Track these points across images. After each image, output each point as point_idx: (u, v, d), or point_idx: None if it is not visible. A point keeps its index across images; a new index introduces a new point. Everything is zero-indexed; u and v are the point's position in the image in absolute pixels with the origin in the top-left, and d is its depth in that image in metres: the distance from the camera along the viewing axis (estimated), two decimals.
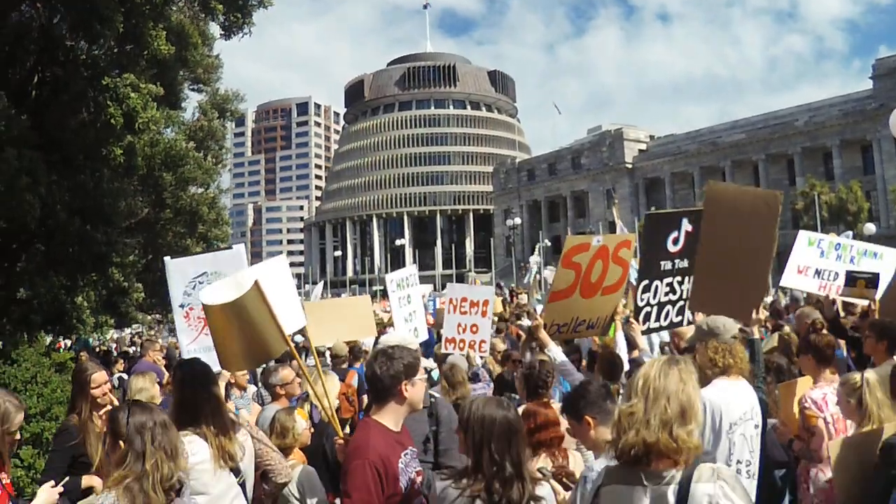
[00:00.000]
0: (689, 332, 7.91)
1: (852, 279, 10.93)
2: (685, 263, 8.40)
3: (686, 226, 8.39)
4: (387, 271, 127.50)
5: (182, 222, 24.67)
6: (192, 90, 25.98)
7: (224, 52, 32.14)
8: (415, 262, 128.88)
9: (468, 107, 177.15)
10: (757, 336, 7.01)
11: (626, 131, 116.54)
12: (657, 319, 8.49)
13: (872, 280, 10.69)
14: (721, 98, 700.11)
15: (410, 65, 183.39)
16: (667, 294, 8.46)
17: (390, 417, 4.61)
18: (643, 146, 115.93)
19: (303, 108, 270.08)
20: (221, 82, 27.44)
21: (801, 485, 6.57)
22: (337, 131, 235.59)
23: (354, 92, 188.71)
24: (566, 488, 4.69)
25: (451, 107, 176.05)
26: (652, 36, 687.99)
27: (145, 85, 16.36)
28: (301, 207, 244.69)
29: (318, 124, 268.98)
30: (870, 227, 58.45)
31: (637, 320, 8.36)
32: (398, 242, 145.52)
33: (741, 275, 7.38)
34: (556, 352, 7.76)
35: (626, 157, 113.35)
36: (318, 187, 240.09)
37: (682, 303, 8.57)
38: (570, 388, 5.90)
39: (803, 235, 12.57)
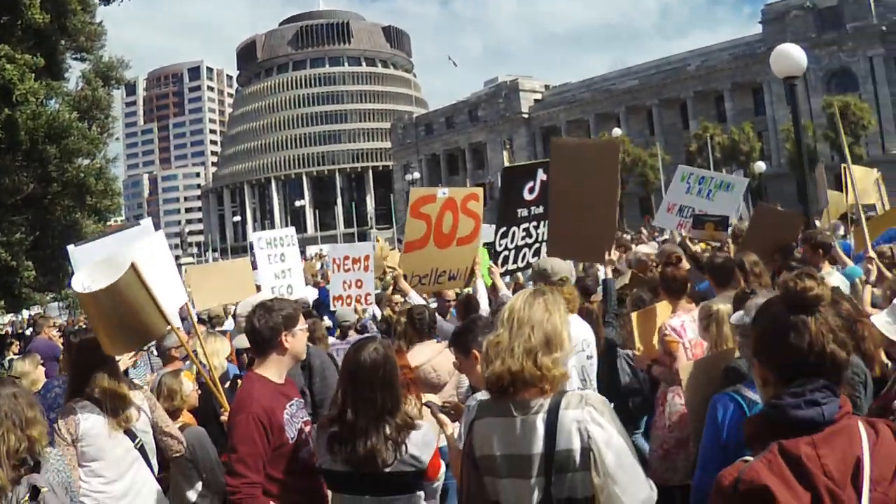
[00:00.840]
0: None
1: (700, 222, 11.56)
2: (540, 209, 9.16)
3: (541, 175, 9.15)
4: None
5: (70, 195, 23.67)
6: (75, 59, 25.23)
7: (114, 20, 31.50)
8: (315, 222, 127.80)
9: (363, 63, 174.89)
10: (609, 276, 7.70)
11: (521, 82, 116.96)
12: (514, 261, 9.20)
13: (721, 222, 11.35)
14: (617, 46, 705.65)
15: (303, 23, 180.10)
16: (523, 238, 9.20)
17: (273, 369, 4.63)
18: (539, 96, 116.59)
19: (195, 72, 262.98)
20: (106, 50, 26.43)
21: (659, 407, 6.85)
22: (231, 95, 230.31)
23: (247, 53, 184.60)
24: (454, 420, 4.71)
25: (346, 64, 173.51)
26: None
27: (21, 56, 15.78)
28: (198, 174, 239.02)
29: (211, 88, 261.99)
30: (760, 165, 60.26)
31: (496, 264, 8.89)
32: (298, 204, 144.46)
33: (590, 220, 7.89)
34: (415, 298, 8.45)
35: (522, 107, 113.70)
36: (214, 153, 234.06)
37: (537, 245, 9.32)
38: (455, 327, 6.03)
39: (680, 170, 13.43)
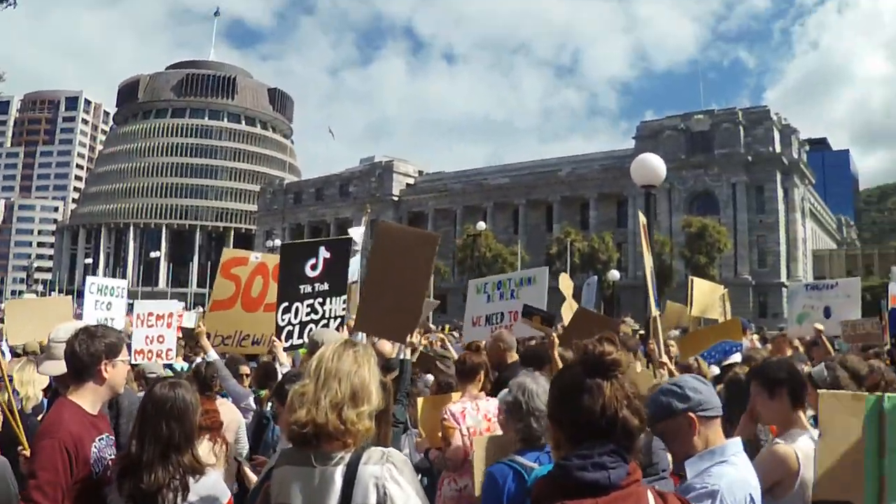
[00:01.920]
0: (386, 345, 9.36)
1: (529, 313, 11.27)
2: (325, 286, 9.36)
3: (324, 253, 9.36)
4: (138, 284, 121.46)
5: None
6: None
7: None
8: (169, 276, 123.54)
9: (243, 122, 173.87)
10: (408, 356, 8.17)
11: (396, 164, 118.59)
12: (300, 336, 9.17)
13: (548, 319, 11.22)
14: (495, 141, 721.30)
15: (190, 71, 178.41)
16: (308, 314, 9.25)
17: (87, 399, 4.43)
18: (412, 180, 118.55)
19: (72, 102, 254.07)
20: None
21: (437, 492, 6.81)
22: (105, 132, 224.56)
23: (129, 92, 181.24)
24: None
25: (226, 119, 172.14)
26: (436, 74, 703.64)
27: None
28: (56, 209, 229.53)
29: (85, 122, 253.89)
30: (614, 274, 61.95)
31: (280, 339, 8.91)
32: (153, 255, 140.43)
33: (400, 302, 8.42)
34: (212, 355, 8.59)
35: (394, 189, 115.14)
36: (77, 189, 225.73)
37: (324, 321, 9.37)
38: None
39: (472, 284, 13.57)
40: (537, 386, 4.72)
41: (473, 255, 74.12)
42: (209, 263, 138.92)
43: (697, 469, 3.48)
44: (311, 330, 9.23)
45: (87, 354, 4.37)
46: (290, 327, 9.13)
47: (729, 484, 3.36)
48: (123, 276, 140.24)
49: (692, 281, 15.41)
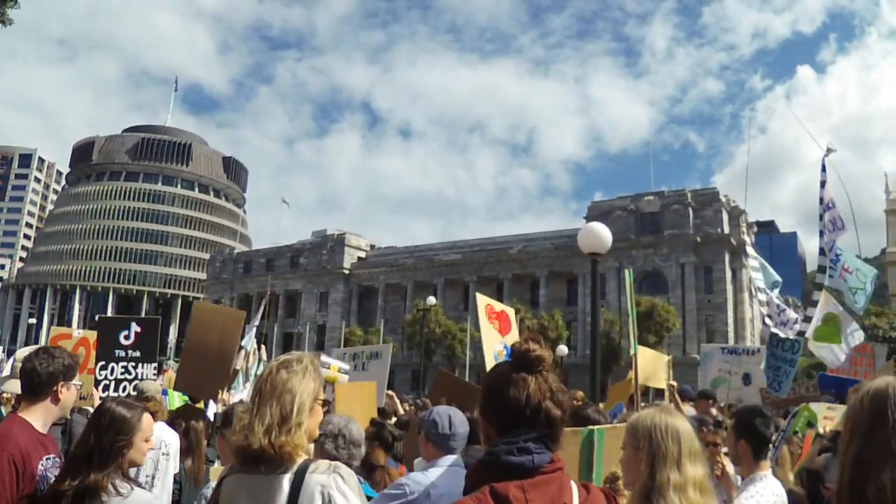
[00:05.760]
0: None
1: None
2: (137, 353, 11.15)
3: (135, 328, 11.31)
4: None
5: None
6: None
7: None
8: None
9: (197, 189, 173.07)
10: (219, 410, 10.42)
11: (348, 238, 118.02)
12: (115, 390, 10.80)
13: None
14: (447, 218, 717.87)
15: (146, 135, 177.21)
16: (123, 374, 11.07)
17: (39, 417, 4.49)
18: (363, 254, 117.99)
19: (25, 159, 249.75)
20: None
21: None
22: (57, 191, 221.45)
23: (83, 152, 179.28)
24: None
25: (180, 186, 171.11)
26: (391, 149, 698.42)
27: None
28: (2, 266, 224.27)
29: (38, 180, 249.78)
30: (563, 349, 61.11)
31: (97, 389, 10.57)
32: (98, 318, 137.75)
33: (212, 366, 10.89)
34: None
35: (345, 262, 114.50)
36: (24, 247, 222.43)
37: (137, 381, 10.82)
38: None
39: (334, 353, 14.99)
40: (350, 421, 5.62)
41: (423, 331, 73.48)
42: None
43: None
44: (124, 387, 10.94)
45: (47, 373, 4.44)
46: (106, 381, 10.91)
47: None
48: None
49: (637, 350, 15.56)
